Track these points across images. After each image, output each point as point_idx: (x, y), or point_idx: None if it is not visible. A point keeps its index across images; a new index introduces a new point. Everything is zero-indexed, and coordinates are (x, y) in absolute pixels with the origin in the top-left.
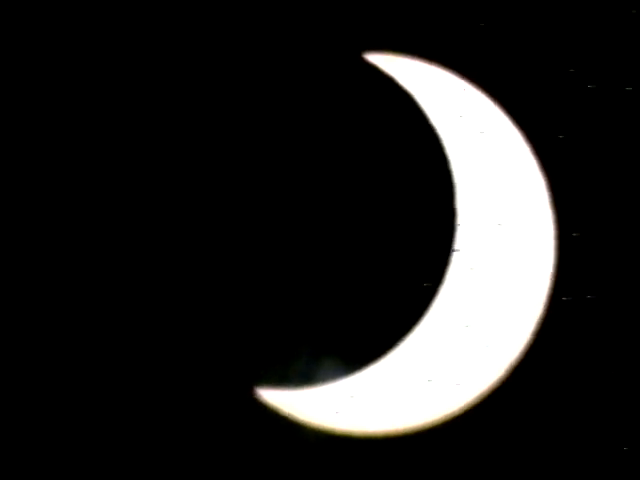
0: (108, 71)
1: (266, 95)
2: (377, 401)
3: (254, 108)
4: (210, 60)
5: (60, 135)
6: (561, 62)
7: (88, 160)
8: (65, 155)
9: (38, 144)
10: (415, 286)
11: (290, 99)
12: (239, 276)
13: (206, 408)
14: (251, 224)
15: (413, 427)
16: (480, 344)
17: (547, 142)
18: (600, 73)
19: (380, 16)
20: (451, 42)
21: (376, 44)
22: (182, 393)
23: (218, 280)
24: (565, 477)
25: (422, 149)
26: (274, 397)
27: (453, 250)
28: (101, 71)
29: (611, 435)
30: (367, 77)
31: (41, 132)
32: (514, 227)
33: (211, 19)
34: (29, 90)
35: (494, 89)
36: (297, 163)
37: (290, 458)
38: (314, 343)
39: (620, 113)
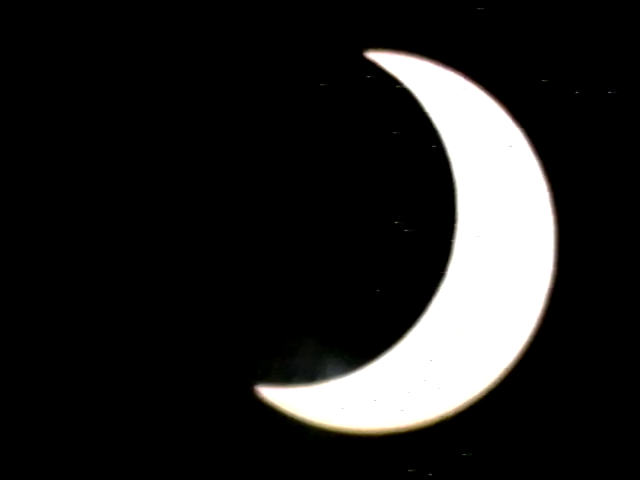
0: (108, 71)
1: (267, 93)
2: (378, 399)
3: (255, 106)
4: (210, 58)
5: (60, 135)
6: (563, 62)
7: (88, 160)
8: (65, 155)
9: (38, 144)
10: (416, 283)
11: (291, 97)
12: (239, 274)
13: (206, 406)
14: (252, 222)
15: (413, 425)
16: (480, 343)
17: (548, 141)
18: (601, 73)
19: (381, 14)
20: (452, 40)
21: (377, 42)
22: (183, 392)
23: (218, 278)
24: (565, 477)
25: (423, 147)
26: (274, 395)
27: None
28: (101, 71)
29: (611, 435)
30: (368, 75)
31: (41, 132)
32: (514, 226)
33: (212, 16)
34: (29, 90)
35: (495, 87)
36: (298, 161)
37: (291, 456)
38: (314, 341)
39: (621, 113)
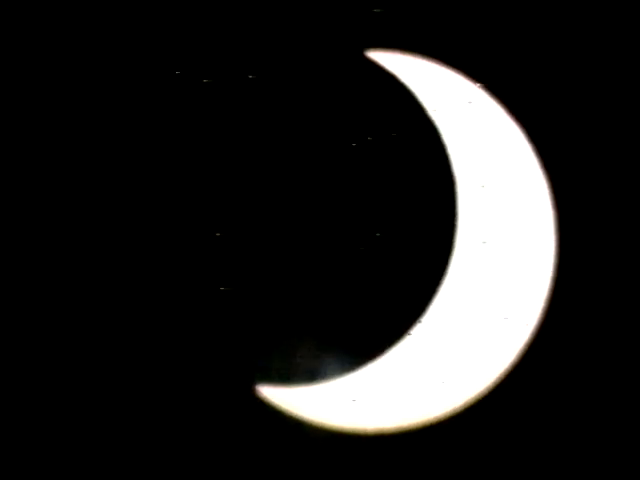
0: (108, 71)
1: (268, 92)
2: (378, 398)
3: (255, 105)
4: (211, 57)
5: (60, 135)
6: (563, 60)
7: (88, 160)
8: (65, 155)
9: (38, 144)
10: (416, 283)
11: (292, 96)
12: (240, 274)
13: (208, 406)
14: (252, 222)
15: (413, 424)
16: (480, 343)
17: (548, 140)
18: (601, 71)
19: (382, 13)
20: (453, 39)
21: (378, 41)
22: (184, 392)
23: (219, 278)
24: (565, 477)
25: (423, 146)
26: (275, 395)
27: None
28: (101, 71)
29: (611, 436)
30: (369, 74)
31: (41, 132)
32: (515, 226)
33: (213, 15)
34: (29, 90)
35: (495, 86)
36: (298, 160)
37: (291, 456)
38: (316, 341)
39: (621, 112)
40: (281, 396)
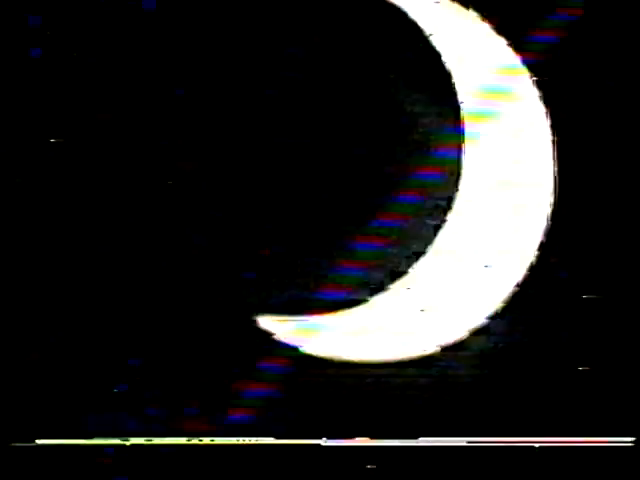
0: (109, 72)
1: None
2: (381, 331)
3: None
4: (211, 45)
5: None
6: None
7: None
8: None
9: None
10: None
11: (294, 38)
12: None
13: (206, 337)
14: (252, 213)
15: (413, 356)
16: (478, 277)
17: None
18: (602, 69)
19: None
20: None
21: None
22: (181, 328)
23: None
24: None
25: (432, 84)
26: (275, 326)
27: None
28: (102, 72)
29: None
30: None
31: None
32: (516, 192)
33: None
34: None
35: (507, 30)
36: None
37: (292, 388)
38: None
39: (622, 109)
40: (281, 328)
